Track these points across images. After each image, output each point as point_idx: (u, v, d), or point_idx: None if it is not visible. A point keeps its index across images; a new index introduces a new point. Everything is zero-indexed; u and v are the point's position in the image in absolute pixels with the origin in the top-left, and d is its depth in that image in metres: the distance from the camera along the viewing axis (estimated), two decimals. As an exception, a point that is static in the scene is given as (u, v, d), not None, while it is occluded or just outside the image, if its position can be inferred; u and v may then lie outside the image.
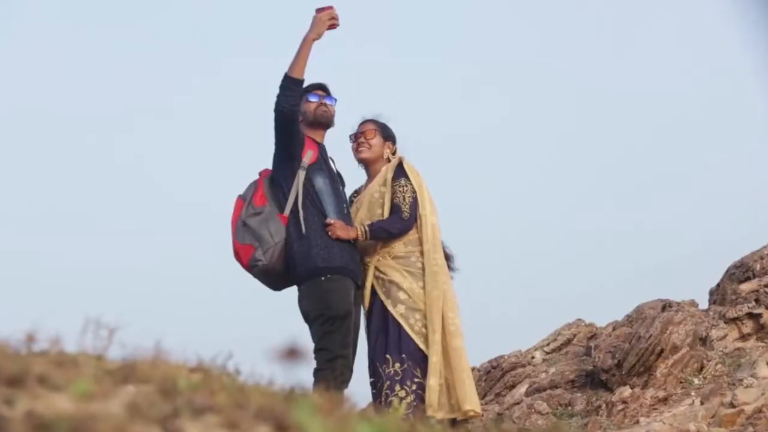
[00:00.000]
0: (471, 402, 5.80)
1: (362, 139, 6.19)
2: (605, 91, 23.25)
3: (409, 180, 6.08)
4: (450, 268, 6.12)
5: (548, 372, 9.07)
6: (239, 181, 6.07)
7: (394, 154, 6.22)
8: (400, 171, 6.13)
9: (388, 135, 6.23)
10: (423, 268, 5.98)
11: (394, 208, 6.01)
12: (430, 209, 6.10)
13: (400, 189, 6.04)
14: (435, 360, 5.81)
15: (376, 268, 6.00)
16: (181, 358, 2.98)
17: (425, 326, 5.88)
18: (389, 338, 5.87)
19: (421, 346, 5.85)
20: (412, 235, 6.05)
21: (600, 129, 23.50)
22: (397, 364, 5.83)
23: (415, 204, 6.04)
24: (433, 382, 5.77)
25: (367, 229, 5.92)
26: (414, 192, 6.06)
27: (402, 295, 5.93)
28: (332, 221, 5.79)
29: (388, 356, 5.85)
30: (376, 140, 6.19)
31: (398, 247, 6.02)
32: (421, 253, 6.01)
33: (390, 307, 5.92)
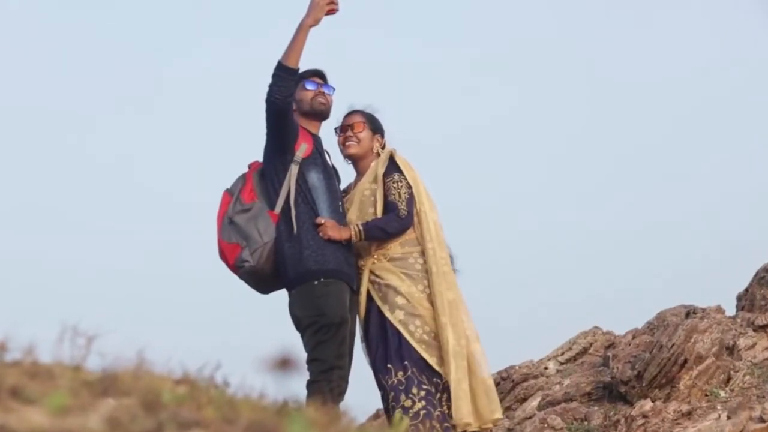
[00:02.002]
0: (498, 410, 5.89)
1: (350, 133, 6.14)
2: (620, 80, 23.22)
3: (403, 175, 6.05)
4: (452, 269, 6.11)
5: (562, 384, 9.07)
6: (227, 175, 6.07)
7: (383, 148, 6.19)
8: (392, 165, 6.09)
9: (376, 127, 6.19)
10: (422, 270, 5.97)
11: (389, 206, 5.98)
12: (429, 205, 6.08)
13: (394, 185, 6.01)
14: (464, 365, 5.82)
15: (371, 272, 5.99)
16: (165, 369, 2.98)
17: (426, 333, 5.88)
18: (389, 347, 5.86)
19: (424, 354, 5.84)
20: (409, 234, 6.03)
21: (614, 121, 23.47)
22: (400, 373, 5.82)
23: (411, 200, 6.01)
24: (466, 386, 5.79)
25: (361, 228, 5.89)
26: (409, 187, 6.02)
27: (400, 300, 5.91)
28: (323, 221, 5.77)
29: (389, 366, 5.84)
30: (365, 134, 6.15)
31: (394, 248, 6.00)
32: (420, 253, 6.00)
33: (387, 313, 5.91)
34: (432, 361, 5.84)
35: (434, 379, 5.84)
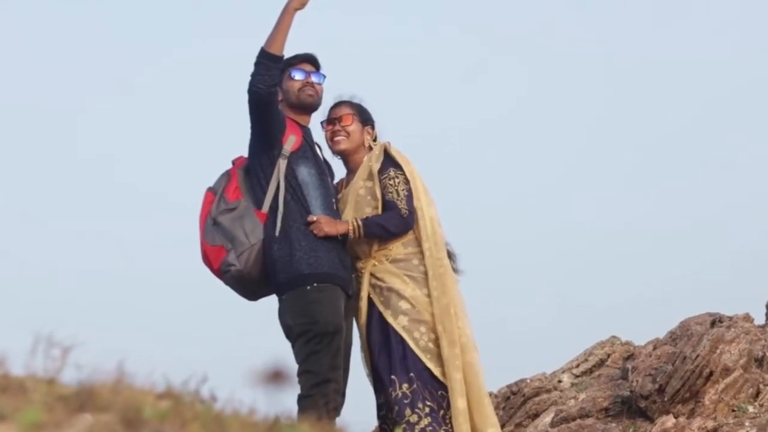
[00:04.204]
0: (494, 426, 5.86)
1: (338, 126, 6.11)
2: (641, 61, 23.11)
3: (400, 169, 6.03)
4: (453, 269, 6.09)
5: (578, 398, 9.09)
6: (212, 173, 6.07)
7: (374, 140, 6.18)
8: (387, 160, 6.07)
9: (366, 119, 6.17)
10: (426, 272, 5.96)
11: (388, 206, 5.95)
12: (426, 201, 6.06)
13: (391, 182, 5.99)
14: (458, 377, 5.81)
15: (372, 275, 5.98)
16: (147, 382, 2.99)
17: (432, 341, 5.88)
18: (393, 356, 5.86)
19: (429, 364, 5.84)
20: (410, 234, 6.02)
21: (635, 109, 23.38)
22: (405, 385, 5.82)
23: (410, 197, 5.99)
24: (461, 404, 5.78)
25: (360, 224, 5.86)
26: (407, 183, 6.00)
27: (404, 305, 5.91)
28: (315, 218, 5.75)
29: (393, 377, 5.84)
30: (354, 126, 6.12)
31: (396, 248, 5.99)
32: (422, 253, 5.99)
33: (390, 319, 5.90)
34: (437, 372, 5.84)
35: (438, 392, 5.84)
